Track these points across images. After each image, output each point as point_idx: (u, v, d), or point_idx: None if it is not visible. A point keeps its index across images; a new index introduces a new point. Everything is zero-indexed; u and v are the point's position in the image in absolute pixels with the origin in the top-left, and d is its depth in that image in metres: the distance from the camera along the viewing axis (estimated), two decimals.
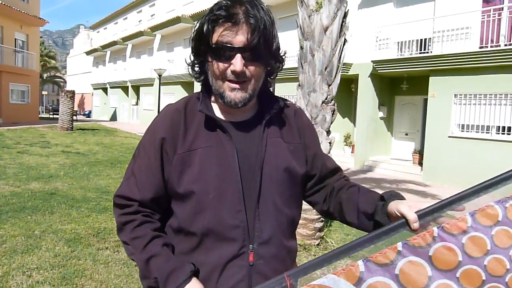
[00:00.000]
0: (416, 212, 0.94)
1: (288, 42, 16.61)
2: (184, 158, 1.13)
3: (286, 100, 1.30)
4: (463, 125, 12.05)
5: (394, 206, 1.02)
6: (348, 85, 16.14)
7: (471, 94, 11.84)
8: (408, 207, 0.97)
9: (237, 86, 1.11)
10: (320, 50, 4.93)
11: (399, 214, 0.99)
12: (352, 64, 14.98)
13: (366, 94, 14.87)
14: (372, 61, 14.15)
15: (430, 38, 12.88)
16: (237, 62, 1.06)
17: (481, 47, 11.65)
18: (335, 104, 5.10)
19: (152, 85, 30.63)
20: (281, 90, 16.80)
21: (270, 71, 1.22)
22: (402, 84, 14.57)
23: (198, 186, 1.11)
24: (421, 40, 13.20)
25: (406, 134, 15.30)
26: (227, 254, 1.10)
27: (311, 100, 4.96)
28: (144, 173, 1.17)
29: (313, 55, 4.97)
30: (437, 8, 12.71)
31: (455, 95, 12.17)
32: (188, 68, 1.22)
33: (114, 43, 36.70)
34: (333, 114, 5.04)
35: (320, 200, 1.31)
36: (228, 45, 1.07)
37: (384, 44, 14.19)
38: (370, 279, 0.89)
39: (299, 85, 5.17)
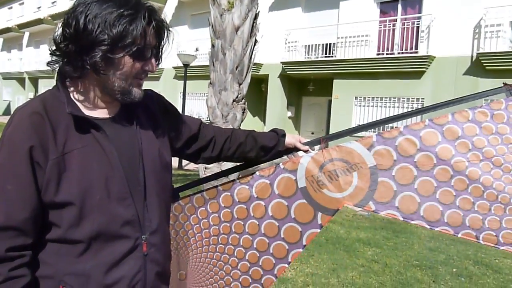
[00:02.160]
0: (304, 144, 1.59)
1: (201, 39, 16.58)
2: (59, 163, 1.05)
3: (144, 90, 1.32)
4: None
5: (291, 141, 1.59)
6: (259, 85, 16.53)
7: (370, 97, 12.85)
8: (296, 141, 1.59)
9: (142, 82, 1.17)
10: (232, 49, 5.01)
11: (293, 146, 1.58)
12: (262, 64, 15.36)
13: (276, 94, 15.37)
14: (281, 62, 14.66)
15: (335, 43, 13.71)
16: (153, 63, 1.15)
17: (378, 54, 12.70)
18: (246, 103, 5.22)
19: (53, 77, 28.30)
20: (193, 87, 16.69)
21: None
22: (309, 86, 15.32)
23: (81, 190, 1.06)
24: (327, 44, 14.00)
25: (312, 133, 16.10)
26: (122, 250, 1.11)
27: (222, 98, 5.02)
28: (13, 192, 1.04)
29: (224, 54, 5.03)
30: (341, 15, 13.57)
31: (355, 97, 13.11)
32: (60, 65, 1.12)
33: (8, 29, 33.34)
34: (243, 112, 5.15)
35: (216, 151, 1.52)
36: (149, 46, 1.12)
37: (293, 46, 14.79)
38: (378, 146, 1.48)
39: (210, 83, 5.20)
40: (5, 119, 26.58)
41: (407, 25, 12.24)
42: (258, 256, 1.61)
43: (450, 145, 1.41)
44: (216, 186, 1.63)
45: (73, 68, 1.09)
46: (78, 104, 1.13)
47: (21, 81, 34.10)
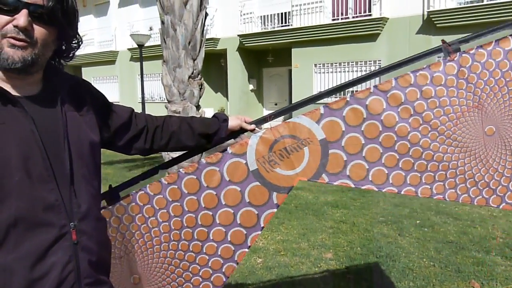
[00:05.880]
0: (250, 123, 1.55)
1: (154, 18, 16.08)
2: None
3: (71, 74, 1.24)
4: None
5: (235, 123, 1.53)
6: (218, 60, 16.30)
7: (328, 63, 12.93)
8: (241, 121, 1.54)
9: (18, 43, 0.98)
10: (182, 24, 4.88)
11: (238, 128, 1.53)
12: (219, 39, 15.12)
13: (236, 68, 15.23)
14: (238, 35, 14.47)
15: (290, 11, 13.62)
16: (21, 17, 0.96)
17: (333, 19, 12.72)
18: (202, 79, 5.14)
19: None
20: (151, 68, 16.30)
21: (64, 50, 1.14)
22: (268, 57, 15.23)
23: None
24: (282, 13, 13.89)
25: (276, 104, 16.15)
26: (47, 238, 1.00)
27: (177, 75, 4.92)
28: None
29: (175, 30, 4.90)
30: None
31: (315, 64, 13.16)
32: None
33: None
34: (201, 88, 5.07)
35: (148, 142, 1.42)
36: None
37: (249, 18, 14.59)
38: (327, 118, 1.47)
39: (164, 61, 5.07)
40: None
41: None
42: (216, 246, 1.56)
43: (394, 111, 1.45)
44: (160, 181, 1.52)
45: None
46: None
47: None
